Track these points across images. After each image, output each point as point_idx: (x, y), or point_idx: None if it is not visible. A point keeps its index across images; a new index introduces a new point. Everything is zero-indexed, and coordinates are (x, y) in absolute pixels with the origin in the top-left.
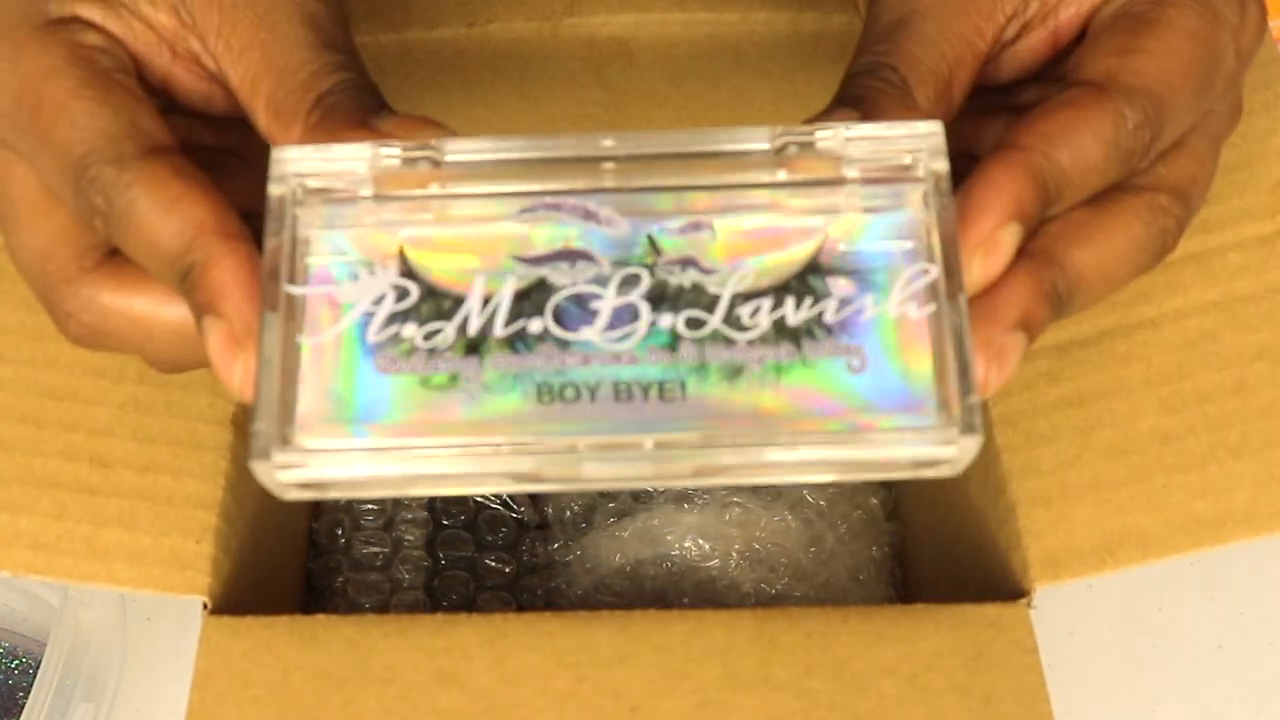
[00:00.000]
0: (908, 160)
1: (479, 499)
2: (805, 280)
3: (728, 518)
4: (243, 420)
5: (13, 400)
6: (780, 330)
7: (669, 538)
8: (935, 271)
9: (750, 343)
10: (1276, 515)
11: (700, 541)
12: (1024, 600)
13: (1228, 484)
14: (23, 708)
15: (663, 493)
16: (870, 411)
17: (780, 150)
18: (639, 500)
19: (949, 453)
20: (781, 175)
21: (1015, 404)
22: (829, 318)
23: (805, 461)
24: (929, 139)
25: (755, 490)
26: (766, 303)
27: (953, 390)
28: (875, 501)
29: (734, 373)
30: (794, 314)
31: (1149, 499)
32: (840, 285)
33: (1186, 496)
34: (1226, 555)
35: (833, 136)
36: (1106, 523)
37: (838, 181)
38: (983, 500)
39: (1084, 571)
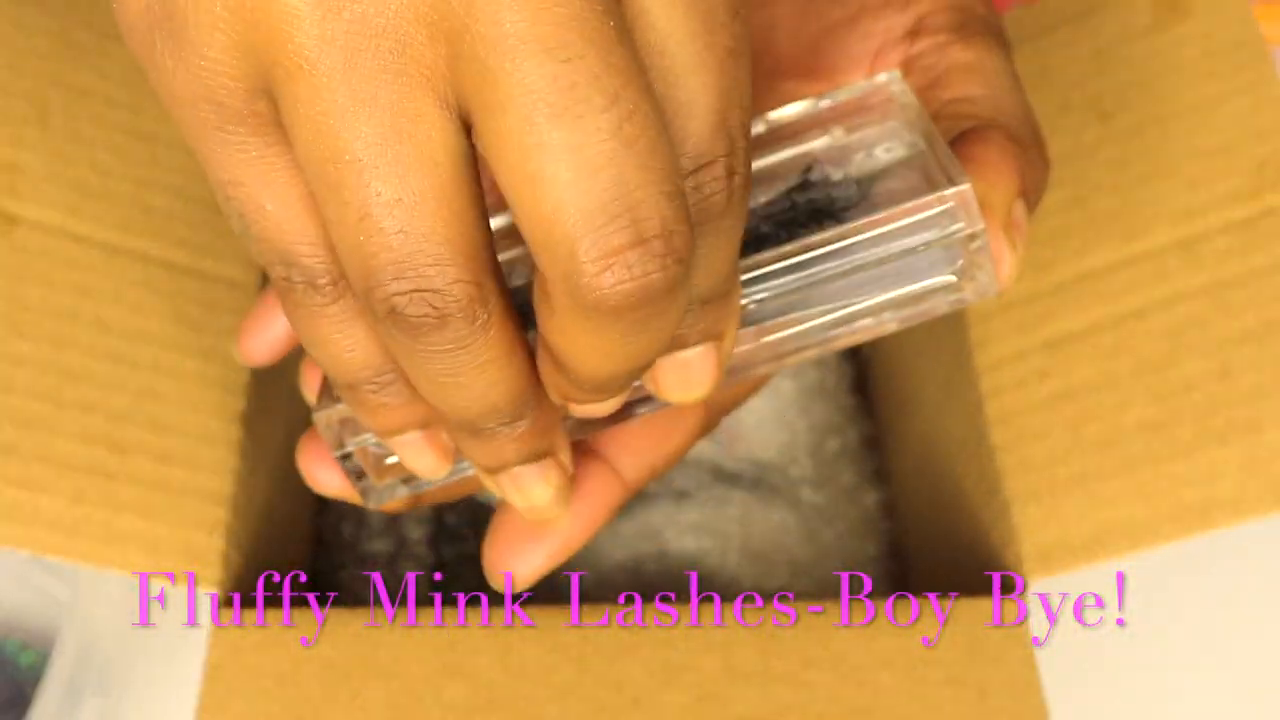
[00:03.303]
0: (876, 100)
1: (480, 499)
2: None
3: (727, 515)
4: (251, 418)
5: (32, 378)
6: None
7: (669, 534)
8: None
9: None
10: (1260, 500)
11: (700, 538)
12: (1018, 594)
13: (1213, 471)
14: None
15: (663, 491)
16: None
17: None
18: (640, 498)
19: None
20: (763, 129)
21: (1008, 402)
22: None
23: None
24: (895, 84)
25: (754, 489)
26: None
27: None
28: (872, 500)
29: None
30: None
31: (1137, 489)
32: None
33: (1173, 485)
34: (1218, 547)
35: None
36: (1096, 515)
37: (819, 123)
38: (978, 496)
39: (1075, 564)
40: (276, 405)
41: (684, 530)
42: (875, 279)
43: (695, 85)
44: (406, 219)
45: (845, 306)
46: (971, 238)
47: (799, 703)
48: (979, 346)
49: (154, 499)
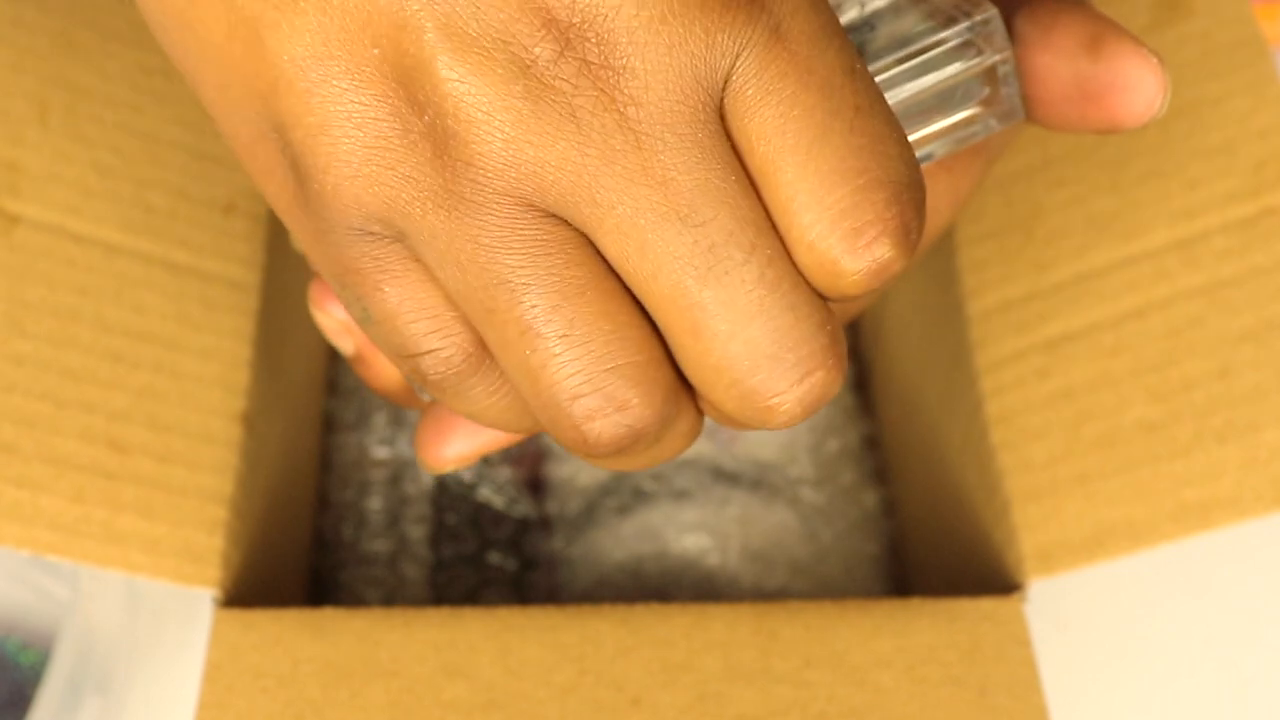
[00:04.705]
0: None
1: (481, 499)
2: None
3: (727, 515)
4: (251, 418)
5: (33, 377)
6: None
7: (669, 534)
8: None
9: None
10: (1260, 499)
11: (700, 538)
12: (1018, 594)
13: (1213, 471)
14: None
15: (663, 491)
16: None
17: None
18: (639, 498)
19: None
20: None
21: (1008, 401)
22: None
23: None
24: None
25: (754, 488)
26: None
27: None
28: (872, 499)
29: None
30: None
31: (1137, 489)
32: None
33: (1173, 485)
34: (1217, 548)
35: None
36: (1096, 514)
37: None
38: (978, 497)
39: (1075, 563)
40: (276, 405)
41: (684, 530)
42: (904, 117)
43: (820, 188)
44: (568, 321)
45: None
46: (998, 65)
47: (799, 703)
48: (979, 346)
49: (154, 499)
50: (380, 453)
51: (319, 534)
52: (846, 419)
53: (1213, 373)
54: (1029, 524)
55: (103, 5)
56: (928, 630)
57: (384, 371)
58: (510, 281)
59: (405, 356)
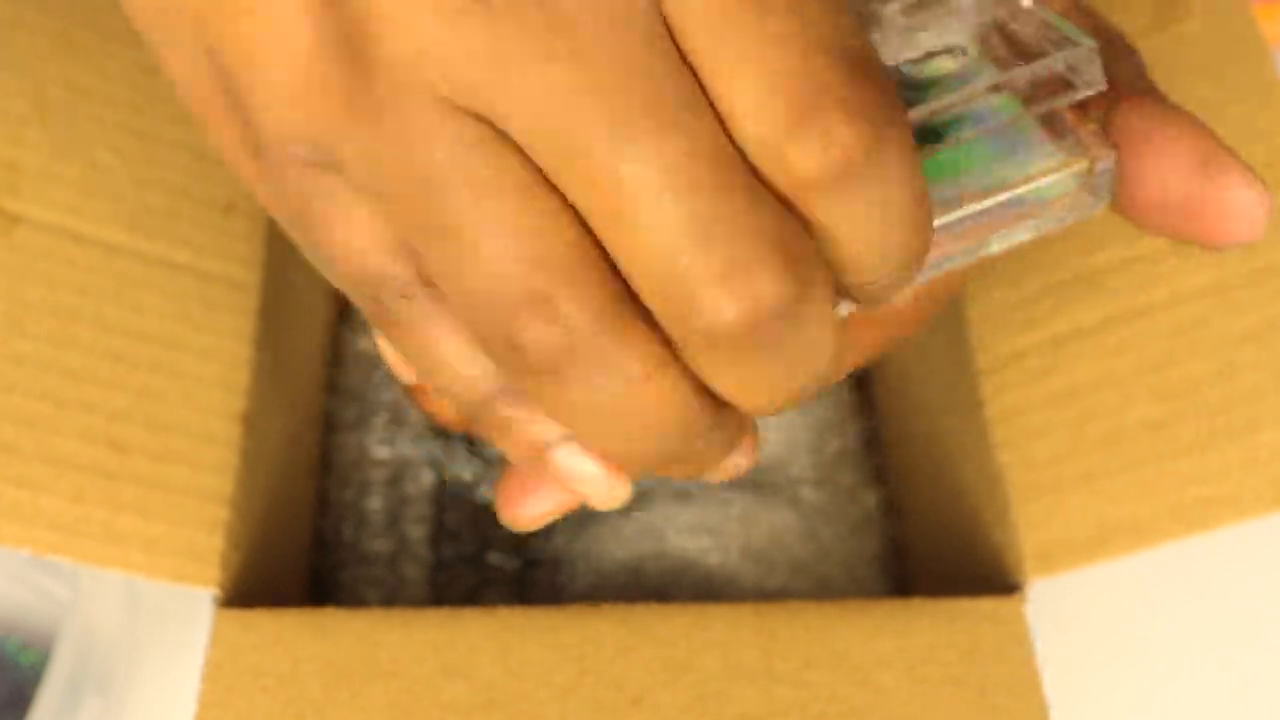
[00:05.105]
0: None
1: (481, 499)
2: None
3: (727, 514)
4: (251, 418)
5: (33, 377)
6: None
7: (669, 534)
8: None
9: None
10: (1262, 499)
11: (700, 538)
12: (1018, 594)
13: (1216, 470)
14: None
15: (663, 490)
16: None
17: None
18: (640, 497)
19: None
20: None
21: (1010, 400)
22: None
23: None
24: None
25: (755, 488)
26: None
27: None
28: (872, 499)
29: None
30: None
31: (1141, 488)
32: None
33: (1177, 483)
34: (1217, 547)
35: None
36: (1099, 513)
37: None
38: (978, 495)
39: (1077, 562)
40: (276, 405)
41: (684, 530)
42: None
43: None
44: (488, 217)
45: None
46: (1097, 164)
47: (799, 703)
48: (980, 345)
49: (154, 498)
50: (380, 453)
51: (319, 534)
52: (846, 418)
53: (1216, 372)
54: (1030, 523)
55: (103, 5)
56: (928, 630)
57: (444, 402)
58: (429, 180)
59: (362, 286)
